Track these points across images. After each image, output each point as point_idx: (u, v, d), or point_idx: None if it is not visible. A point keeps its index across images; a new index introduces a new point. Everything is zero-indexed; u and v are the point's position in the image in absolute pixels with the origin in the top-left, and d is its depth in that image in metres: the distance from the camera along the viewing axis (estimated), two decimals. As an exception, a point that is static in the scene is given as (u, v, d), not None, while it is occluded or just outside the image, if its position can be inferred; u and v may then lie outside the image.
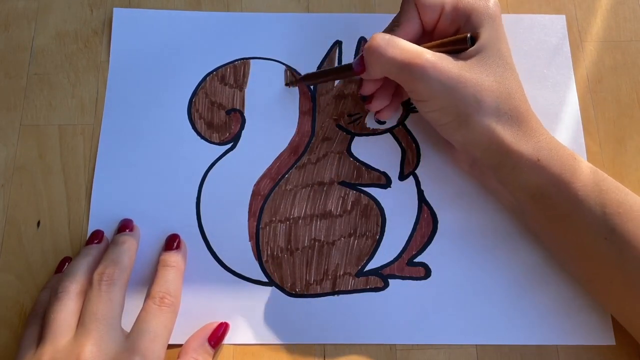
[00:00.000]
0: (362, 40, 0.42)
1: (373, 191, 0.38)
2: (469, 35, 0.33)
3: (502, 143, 0.33)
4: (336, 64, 0.41)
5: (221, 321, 0.35)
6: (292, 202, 0.38)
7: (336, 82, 0.41)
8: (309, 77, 0.40)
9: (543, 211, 0.34)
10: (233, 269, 0.37)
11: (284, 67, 0.41)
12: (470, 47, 0.33)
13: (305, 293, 0.36)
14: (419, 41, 0.35)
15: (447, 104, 0.33)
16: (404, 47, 0.32)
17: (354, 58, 0.40)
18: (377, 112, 0.39)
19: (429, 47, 0.34)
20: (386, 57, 0.33)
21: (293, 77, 0.41)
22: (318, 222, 0.38)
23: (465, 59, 0.33)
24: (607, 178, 0.33)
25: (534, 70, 0.41)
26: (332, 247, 0.37)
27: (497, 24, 0.34)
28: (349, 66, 0.36)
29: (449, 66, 0.32)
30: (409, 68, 0.32)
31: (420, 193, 0.38)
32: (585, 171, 0.33)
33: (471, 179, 0.38)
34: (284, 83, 0.41)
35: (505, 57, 0.34)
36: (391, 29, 0.35)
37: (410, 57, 0.32)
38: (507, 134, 0.33)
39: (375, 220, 0.38)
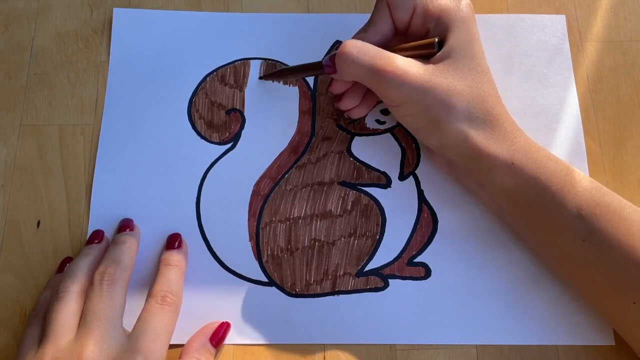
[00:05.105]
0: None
1: (373, 191, 0.38)
2: (436, 39, 0.33)
3: (476, 147, 0.33)
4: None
5: (222, 321, 0.35)
6: (292, 202, 0.38)
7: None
8: (280, 72, 0.40)
9: (521, 213, 0.34)
10: (233, 269, 0.37)
11: (279, 64, 0.41)
12: (438, 51, 0.33)
13: (305, 293, 0.36)
14: (392, 41, 0.35)
15: (419, 109, 0.33)
16: (375, 55, 0.32)
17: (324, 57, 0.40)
18: (347, 111, 0.39)
19: (398, 50, 0.34)
20: (357, 64, 0.33)
21: (268, 70, 0.41)
22: (318, 222, 0.38)
23: (435, 63, 0.33)
24: (584, 178, 0.33)
25: (534, 70, 0.41)
26: (332, 247, 0.37)
27: (468, 26, 0.34)
28: (319, 64, 0.36)
29: (419, 72, 0.32)
30: (380, 75, 0.32)
31: (420, 193, 0.38)
32: (562, 173, 0.32)
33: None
34: (280, 83, 0.41)
35: (477, 60, 0.33)
36: (365, 29, 0.35)
37: (381, 64, 0.32)
38: (480, 137, 0.33)
39: (375, 220, 0.38)
